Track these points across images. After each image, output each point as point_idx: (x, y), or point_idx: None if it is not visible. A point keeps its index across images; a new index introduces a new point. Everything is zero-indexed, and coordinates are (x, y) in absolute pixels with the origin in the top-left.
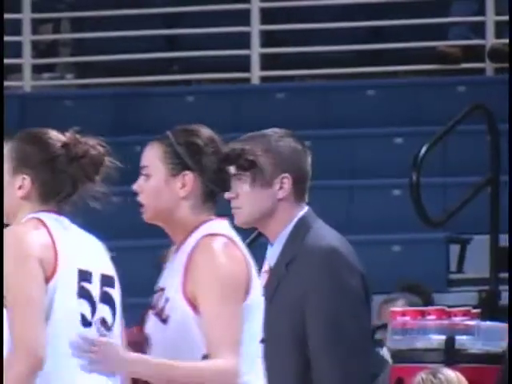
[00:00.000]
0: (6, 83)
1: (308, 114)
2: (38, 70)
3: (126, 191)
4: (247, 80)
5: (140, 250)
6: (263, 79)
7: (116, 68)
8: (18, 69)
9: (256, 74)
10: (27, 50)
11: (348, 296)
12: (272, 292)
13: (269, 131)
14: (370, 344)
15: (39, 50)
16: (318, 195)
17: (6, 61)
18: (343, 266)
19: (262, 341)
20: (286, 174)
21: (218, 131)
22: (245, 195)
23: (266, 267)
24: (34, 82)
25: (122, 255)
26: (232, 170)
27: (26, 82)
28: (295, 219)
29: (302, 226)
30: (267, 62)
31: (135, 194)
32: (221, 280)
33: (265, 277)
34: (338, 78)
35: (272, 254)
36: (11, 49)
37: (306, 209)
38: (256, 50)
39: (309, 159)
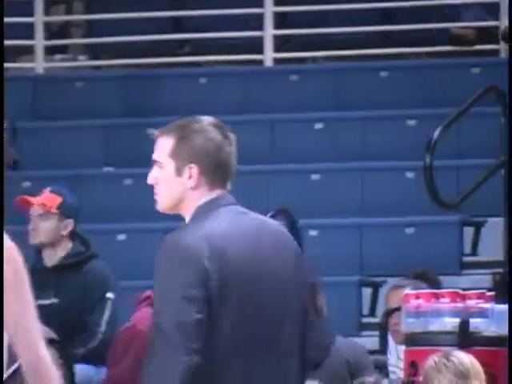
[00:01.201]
0: (17, 65)
1: (321, 96)
2: (50, 51)
3: (137, 173)
4: (260, 62)
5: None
6: (276, 61)
7: (128, 50)
8: (30, 50)
9: (269, 55)
10: (39, 31)
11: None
12: None
13: (193, 119)
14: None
15: (51, 31)
16: (330, 178)
17: (17, 42)
18: (173, 259)
19: None
20: (193, 165)
21: (230, 113)
22: (161, 182)
23: None
24: (46, 63)
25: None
26: (154, 156)
27: (38, 64)
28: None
29: (193, 216)
30: (280, 43)
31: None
32: None
33: None
34: (350, 59)
35: None
36: (23, 30)
37: (208, 198)
38: (269, 32)
39: (228, 149)
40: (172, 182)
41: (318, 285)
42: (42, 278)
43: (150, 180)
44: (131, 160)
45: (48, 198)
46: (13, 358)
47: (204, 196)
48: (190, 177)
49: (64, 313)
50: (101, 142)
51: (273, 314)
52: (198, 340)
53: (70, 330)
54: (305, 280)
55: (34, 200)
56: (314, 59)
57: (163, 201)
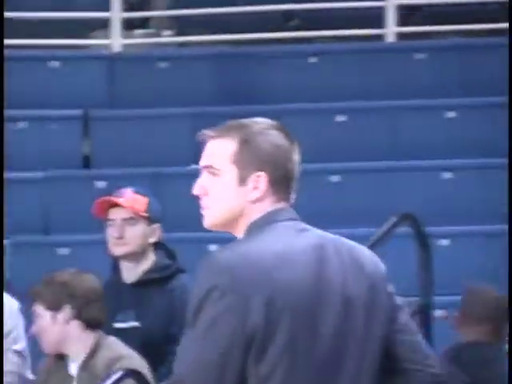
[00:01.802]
0: (90, 41)
1: (451, 78)
2: (128, 25)
3: None
4: (380, 37)
5: None
6: (400, 36)
7: (221, 23)
8: (105, 24)
9: (391, 30)
10: (116, 2)
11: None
12: None
13: (249, 120)
14: None
15: (130, 2)
16: (463, 175)
17: (91, 15)
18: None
19: None
20: (261, 173)
21: (346, 98)
22: (216, 193)
23: None
24: (124, 40)
25: None
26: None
27: (115, 41)
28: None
29: (245, 233)
30: (405, 16)
31: None
32: None
33: None
34: (477, 35)
35: None
36: (97, 2)
37: (266, 211)
38: (391, 2)
39: (295, 157)
40: (231, 193)
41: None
42: (119, 296)
43: (198, 190)
44: None
45: (134, 199)
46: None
47: (267, 210)
48: (255, 187)
49: (146, 339)
50: (188, 135)
51: (334, 351)
52: None
53: (153, 360)
54: (386, 309)
55: (122, 201)
56: (444, 34)
57: (216, 215)
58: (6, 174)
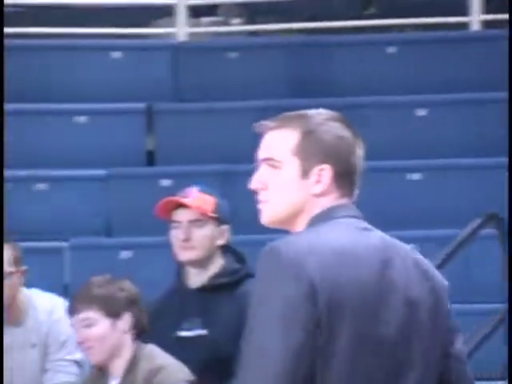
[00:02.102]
0: (154, 30)
1: None
2: (195, 13)
3: None
4: (465, 25)
5: None
6: (486, 24)
7: (294, 10)
8: (169, 12)
9: (477, 18)
10: None
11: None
12: None
13: (309, 111)
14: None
15: None
16: None
17: (155, 1)
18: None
19: None
20: (325, 165)
21: (427, 91)
22: (276, 186)
23: None
24: (191, 28)
25: None
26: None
27: (180, 29)
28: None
29: (306, 227)
30: (491, 2)
31: None
32: None
33: None
34: None
35: None
36: None
37: (328, 206)
38: None
39: (359, 151)
40: (294, 186)
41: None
42: (184, 303)
43: (256, 184)
44: None
45: (201, 199)
46: None
47: (323, 207)
48: (317, 181)
49: (214, 348)
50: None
51: (396, 355)
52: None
53: (220, 372)
54: (447, 326)
55: (189, 201)
56: None
57: (277, 209)
58: (64, 172)
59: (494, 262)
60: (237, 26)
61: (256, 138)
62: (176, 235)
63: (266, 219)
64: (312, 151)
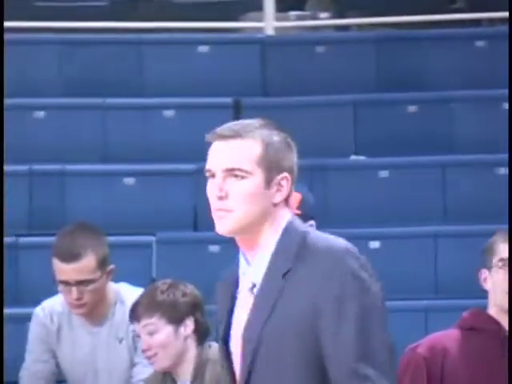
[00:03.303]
0: (242, 24)
1: None
2: (283, 7)
3: (396, 163)
4: None
5: None
6: None
7: (382, 5)
8: (257, 7)
9: None
10: None
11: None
12: (268, 309)
13: (251, 121)
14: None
15: None
16: None
17: None
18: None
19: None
20: (286, 174)
21: None
22: (242, 196)
23: (245, 284)
24: (278, 22)
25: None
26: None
27: (268, 23)
28: (283, 225)
29: (291, 232)
30: None
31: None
32: None
33: (248, 295)
34: None
35: (256, 269)
36: None
37: (287, 218)
38: None
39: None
40: (259, 196)
41: None
42: None
43: (220, 192)
44: (387, 146)
45: None
46: None
47: (284, 215)
48: (278, 190)
49: None
50: (349, 124)
51: None
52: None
53: None
54: None
55: None
56: None
57: (240, 219)
58: (152, 166)
59: None
60: (325, 20)
61: (343, 132)
62: None
63: (226, 228)
64: (273, 161)
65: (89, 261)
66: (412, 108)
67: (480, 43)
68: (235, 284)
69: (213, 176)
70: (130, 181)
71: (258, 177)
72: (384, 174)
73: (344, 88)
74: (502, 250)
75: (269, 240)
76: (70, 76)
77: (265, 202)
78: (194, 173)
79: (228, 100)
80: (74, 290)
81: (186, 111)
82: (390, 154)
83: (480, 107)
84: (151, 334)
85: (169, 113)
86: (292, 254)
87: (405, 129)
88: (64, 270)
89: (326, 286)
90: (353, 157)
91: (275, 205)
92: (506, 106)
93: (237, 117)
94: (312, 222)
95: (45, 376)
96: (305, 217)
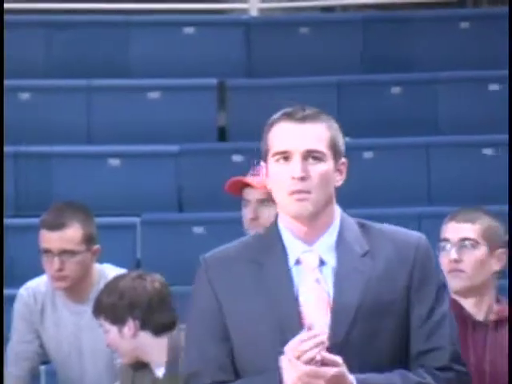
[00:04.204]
0: (226, 5)
1: None
2: None
3: (380, 145)
4: None
5: None
6: None
7: None
8: None
9: None
10: None
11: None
12: (361, 286)
13: (310, 107)
14: None
15: None
16: None
17: None
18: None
19: None
20: (344, 160)
21: (500, 68)
22: (318, 178)
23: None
24: (263, 3)
25: None
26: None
27: (253, 5)
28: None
29: (346, 215)
30: None
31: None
32: None
33: (316, 271)
34: None
35: (323, 248)
36: None
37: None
38: None
39: None
40: (331, 179)
41: None
42: None
43: (302, 173)
44: (372, 127)
45: None
46: None
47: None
48: (340, 173)
49: None
50: (333, 105)
51: None
52: None
53: None
54: None
55: (253, 181)
56: None
57: (319, 200)
58: (136, 148)
59: None
60: (309, 1)
61: (327, 113)
62: (245, 214)
63: (309, 210)
64: (338, 146)
65: (74, 231)
66: (396, 89)
67: (464, 24)
68: (276, 260)
69: (286, 158)
70: (114, 162)
71: (330, 160)
72: (368, 155)
73: (328, 69)
74: (444, 230)
75: (332, 221)
76: (55, 57)
77: (332, 185)
78: (179, 154)
79: (213, 81)
80: (56, 260)
81: (170, 92)
82: (375, 135)
83: (465, 88)
84: (105, 332)
85: (154, 94)
86: (360, 235)
87: (389, 110)
88: (48, 238)
89: (418, 268)
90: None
91: (335, 188)
92: (491, 86)
93: (221, 98)
94: None
95: (29, 356)
96: None
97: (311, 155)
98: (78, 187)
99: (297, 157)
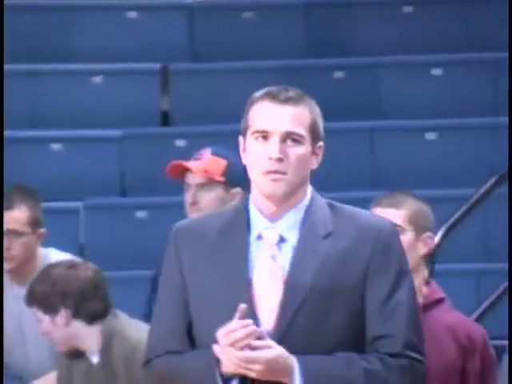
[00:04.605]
0: None
1: None
2: None
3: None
4: None
5: None
6: None
7: None
8: None
9: None
10: None
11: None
12: (317, 264)
13: (295, 89)
14: None
15: None
16: None
17: None
18: None
19: None
20: (321, 143)
21: (444, 52)
22: (295, 160)
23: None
24: None
25: None
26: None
27: None
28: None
29: (318, 196)
30: None
31: None
32: None
33: (274, 248)
34: None
35: (286, 226)
36: None
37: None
38: None
39: None
40: (307, 162)
41: None
42: None
43: (279, 154)
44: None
45: (210, 162)
46: None
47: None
48: (317, 157)
49: None
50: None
51: None
52: None
53: None
54: None
55: (192, 166)
56: None
57: (294, 181)
58: (79, 132)
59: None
60: None
61: None
62: (186, 198)
63: (282, 191)
64: (317, 129)
65: (21, 212)
66: (339, 74)
67: (408, 9)
68: (235, 233)
69: (265, 138)
70: (57, 146)
71: (308, 144)
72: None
73: (271, 54)
74: None
75: (300, 201)
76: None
77: (308, 167)
78: (122, 139)
79: (156, 66)
80: (6, 240)
81: (113, 77)
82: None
83: (408, 73)
84: (38, 321)
85: (97, 79)
86: (328, 216)
87: (332, 94)
88: None
89: (378, 252)
90: None
91: (311, 171)
92: (434, 71)
93: (165, 82)
94: (238, 190)
95: None
96: (229, 184)
97: (290, 137)
98: (21, 172)
99: (275, 137)
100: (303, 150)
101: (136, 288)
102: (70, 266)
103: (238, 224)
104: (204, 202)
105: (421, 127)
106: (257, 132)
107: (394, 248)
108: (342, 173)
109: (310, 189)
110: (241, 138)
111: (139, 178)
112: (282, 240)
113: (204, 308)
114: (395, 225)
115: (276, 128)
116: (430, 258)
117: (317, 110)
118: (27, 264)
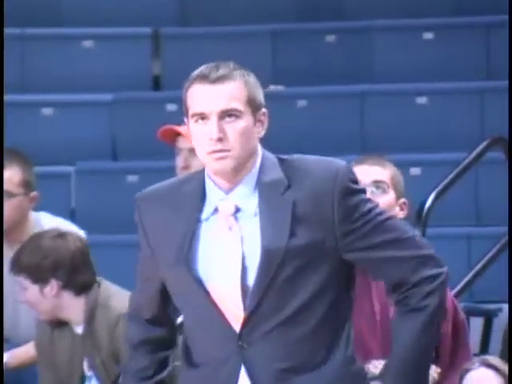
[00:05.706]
0: None
1: None
2: None
3: (312, 93)
4: None
5: None
6: None
7: None
8: None
9: None
10: None
11: None
12: (287, 225)
13: (227, 63)
14: None
15: None
16: None
17: None
18: None
19: None
20: (264, 110)
21: (435, 16)
22: (238, 135)
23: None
24: None
25: None
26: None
27: None
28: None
29: (268, 158)
30: None
31: None
32: None
33: (231, 219)
34: None
35: (241, 195)
36: None
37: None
38: None
39: None
40: (251, 133)
41: None
42: None
43: (219, 133)
44: (306, 76)
45: None
46: None
47: (259, 147)
48: (262, 125)
49: None
50: (267, 53)
51: None
52: None
53: None
54: None
55: (183, 130)
56: None
57: (240, 156)
58: (70, 97)
59: (502, 185)
60: None
61: (261, 62)
62: (177, 162)
63: (228, 167)
64: (256, 99)
65: (13, 173)
66: (331, 37)
67: None
68: (189, 209)
69: (203, 119)
70: (48, 111)
71: (248, 115)
72: (302, 103)
73: (263, 18)
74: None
75: (251, 169)
76: None
77: (254, 138)
78: (113, 103)
79: (147, 30)
80: None
81: (104, 41)
82: (309, 83)
83: (399, 37)
84: (23, 289)
85: (87, 43)
86: (280, 173)
87: (324, 58)
88: None
89: (339, 197)
90: (271, 86)
91: (259, 139)
92: (426, 35)
93: (156, 47)
94: None
95: None
96: None
97: (227, 114)
98: (12, 136)
99: (213, 117)
100: (243, 123)
101: (127, 251)
102: (58, 236)
103: (195, 197)
104: (195, 166)
105: (412, 91)
106: (195, 115)
107: (353, 189)
108: (333, 136)
109: (259, 152)
110: (185, 120)
111: (130, 143)
112: (237, 210)
113: (167, 277)
114: (381, 181)
115: (211, 109)
116: (415, 222)
117: (252, 80)
118: (19, 227)
